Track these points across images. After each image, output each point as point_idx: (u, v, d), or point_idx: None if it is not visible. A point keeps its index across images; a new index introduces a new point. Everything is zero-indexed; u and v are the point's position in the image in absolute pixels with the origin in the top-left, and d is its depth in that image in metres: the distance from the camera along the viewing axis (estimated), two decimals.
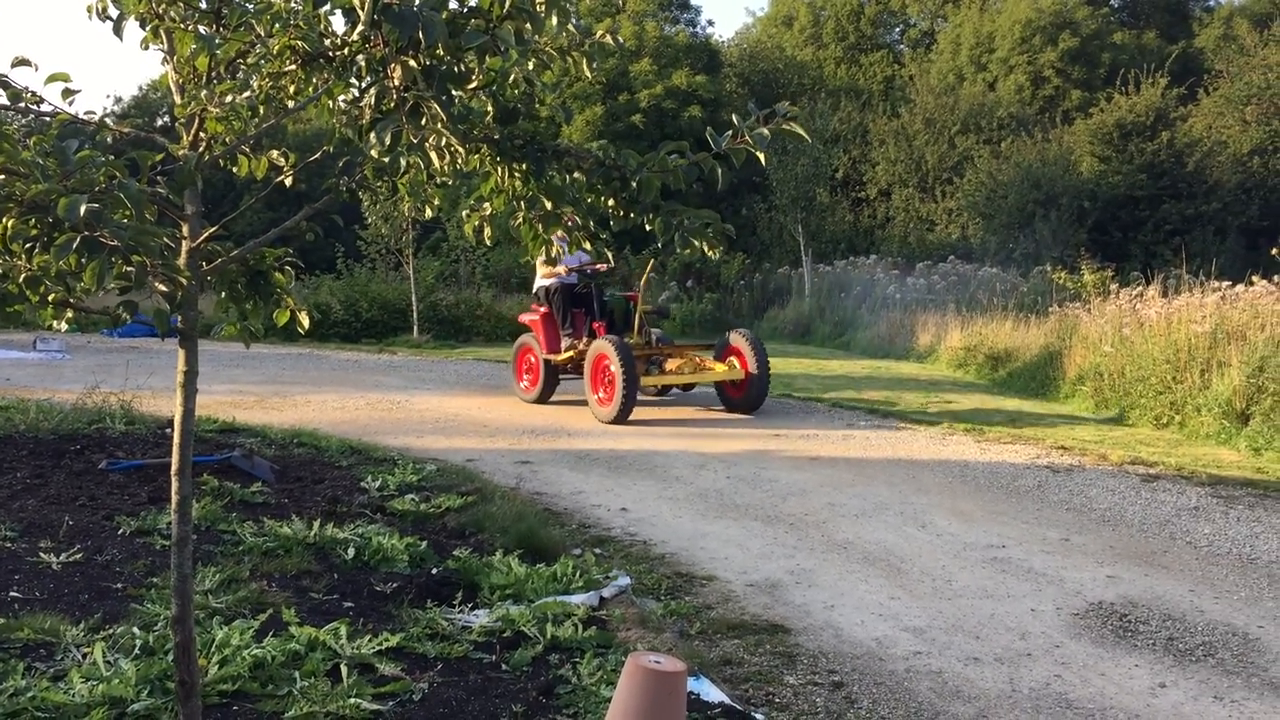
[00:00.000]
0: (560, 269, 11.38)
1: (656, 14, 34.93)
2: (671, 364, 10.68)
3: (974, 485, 7.74)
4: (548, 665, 4.05)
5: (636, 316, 11.08)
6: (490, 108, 2.72)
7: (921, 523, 6.64)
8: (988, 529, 6.50)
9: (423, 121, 2.16)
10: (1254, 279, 11.64)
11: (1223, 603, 5.16)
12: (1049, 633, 4.76)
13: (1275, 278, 11.70)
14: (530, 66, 2.69)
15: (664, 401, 12.04)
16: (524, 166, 2.89)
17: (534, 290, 11.80)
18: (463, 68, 2.15)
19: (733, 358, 10.76)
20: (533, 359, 11.67)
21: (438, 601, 4.68)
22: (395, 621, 4.41)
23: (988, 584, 5.45)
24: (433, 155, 2.37)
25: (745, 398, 10.71)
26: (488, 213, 3.24)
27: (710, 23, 78.30)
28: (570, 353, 10.99)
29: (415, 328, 19.11)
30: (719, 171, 2.98)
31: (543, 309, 11.47)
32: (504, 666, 4.02)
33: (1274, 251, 11.80)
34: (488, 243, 3.36)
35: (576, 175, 2.99)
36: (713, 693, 3.88)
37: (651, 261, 12.49)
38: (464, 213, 3.26)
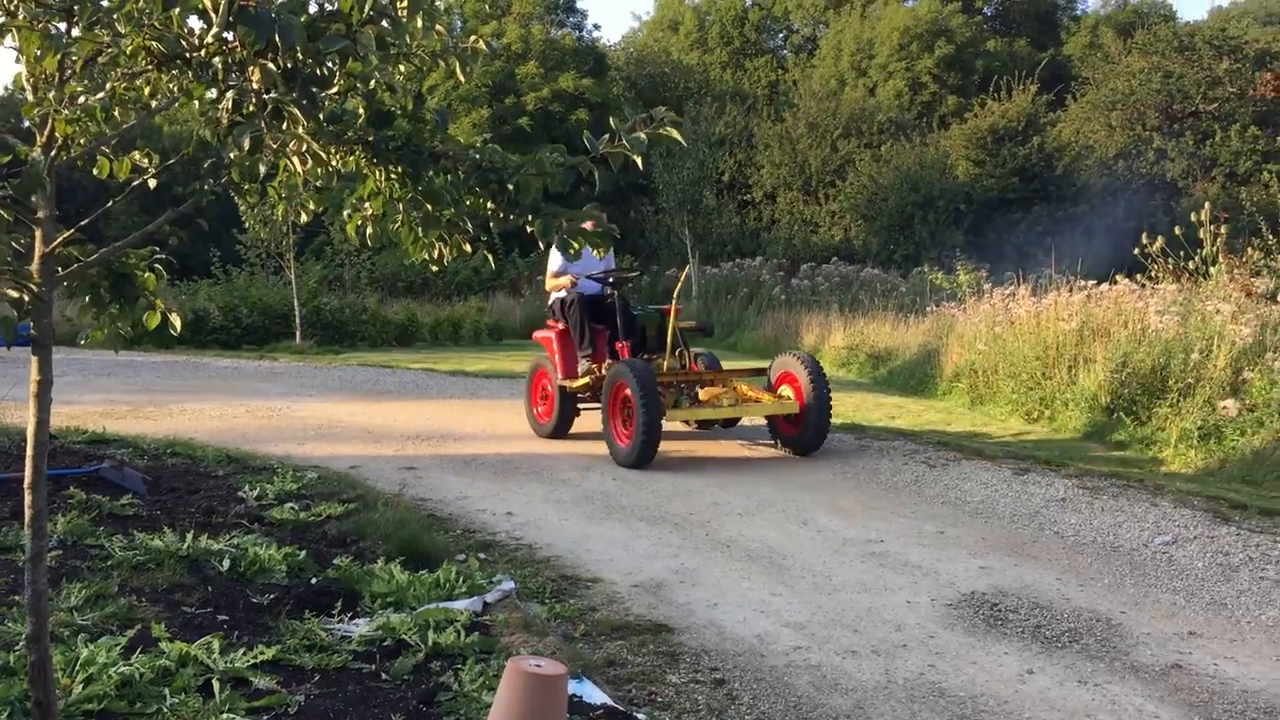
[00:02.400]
0: (565, 279, 9.50)
1: (543, 17, 34.87)
2: (707, 393, 8.70)
3: (854, 482, 7.91)
4: (429, 673, 4.01)
5: (670, 334, 9.08)
6: (363, 110, 2.69)
7: (804, 520, 6.75)
8: (867, 524, 6.64)
9: (284, 126, 2.12)
10: (1118, 278, 12.12)
11: (1087, 590, 5.37)
12: (924, 624, 4.89)
13: (1138, 276, 12.21)
14: (402, 70, 2.66)
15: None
16: (400, 169, 2.87)
17: (549, 303, 9.87)
18: (325, 71, 2.12)
19: (785, 386, 8.77)
20: (548, 385, 9.72)
21: (316, 612, 4.59)
22: (272, 634, 4.32)
23: (866, 578, 5.57)
24: (295, 160, 2.33)
25: (801, 435, 8.64)
26: (369, 214, 3.21)
27: (596, 26, 78.46)
28: (587, 378, 9.04)
29: (298, 333, 18.72)
30: (597, 174, 3.00)
31: (559, 325, 9.54)
32: (384, 676, 3.97)
33: (1136, 251, 12.30)
34: (370, 244, 3.31)
35: (453, 177, 2.98)
36: (595, 694, 3.89)
37: (687, 268, 10.73)
38: (346, 213, 3.21)
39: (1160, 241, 11.93)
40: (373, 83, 2.40)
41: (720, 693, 4.12)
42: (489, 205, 3.00)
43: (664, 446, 9.36)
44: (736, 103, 32.71)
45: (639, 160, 2.73)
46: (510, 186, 2.88)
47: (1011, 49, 35.46)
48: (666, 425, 8.45)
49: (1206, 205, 12.09)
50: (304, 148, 2.27)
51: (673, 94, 34.76)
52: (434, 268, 2.87)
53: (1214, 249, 11.48)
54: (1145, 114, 26.03)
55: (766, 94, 36.79)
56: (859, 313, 17.49)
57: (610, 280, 9.17)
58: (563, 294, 9.49)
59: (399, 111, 2.39)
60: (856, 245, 25.84)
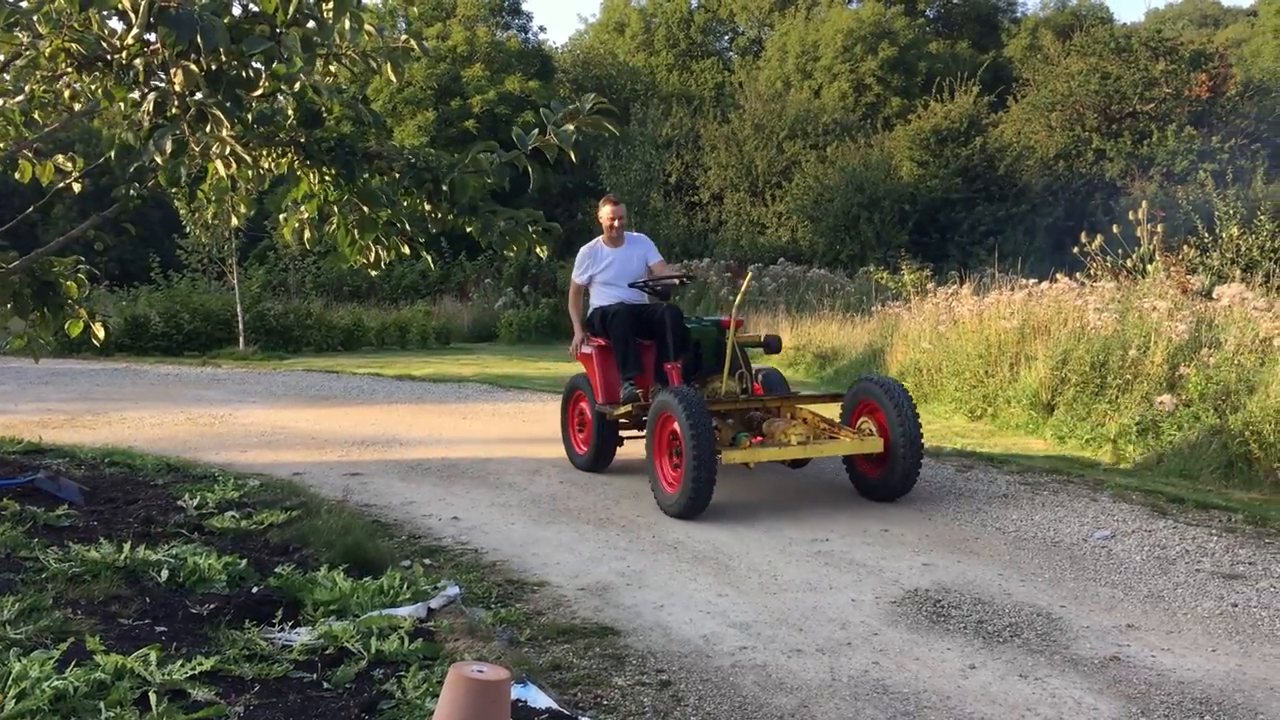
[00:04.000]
0: (579, 279, 8.29)
1: (488, 19, 34.75)
2: (774, 428, 7.13)
3: (800, 482, 7.94)
4: (372, 681, 3.97)
5: (728, 351, 7.55)
6: (292, 111, 2.66)
7: (750, 520, 6.77)
8: (812, 524, 6.67)
9: (208, 128, 2.09)
10: (1058, 276, 12.31)
11: (1028, 585, 5.43)
12: (868, 621, 4.92)
13: (1077, 275, 12.40)
14: (332, 71, 2.63)
15: (498, 406, 11.92)
16: (334, 171, 2.83)
17: (587, 315, 8.30)
18: (249, 73, 2.09)
19: (866, 419, 7.12)
20: (585, 409, 8.32)
21: (257, 621, 4.53)
22: (211, 644, 4.25)
23: (811, 577, 5.59)
24: (219, 164, 2.30)
25: (885, 479, 6.99)
26: (305, 216, 3.17)
27: (542, 29, 78.35)
28: (629, 406, 7.62)
29: (241, 339, 18.48)
30: (531, 170, 2.98)
31: (599, 340, 8.05)
32: (326, 685, 3.92)
33: (1075, 250, 12.49)
34: (309, 247, 3.28)
35: (389, 178, 2.95)
36: (540, 699, 3.87)
37: (750, 273, 8.90)
38: (281, 216, 3.17)
39: (1099, 240, 12.13)
40: (298, 85, 2.36)
41: (666, 694, 4.12)
42: (426, 206, 2.98)
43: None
44: (683, 104, 32.77)
45: (572, 154, 2.72)
46: (446, 186, 2.86)
47: (953, 51, 35.88)
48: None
49: (1143, 204, 12.33)
50: (227, 150, 2.23)
51: (619, 96, 34.77)
52: (372, 271, 2.83)
53: (1151, 247, 11.69)
54: (1084, 115, 26.44)
55: (713, 96, 36.92)
56: (806, 313, 17.60)
57: (656, 288, 7.82)
58: (605, 302, 8.01)
59: (327, 112, 2.36)
60: (803, 246, 25.99)
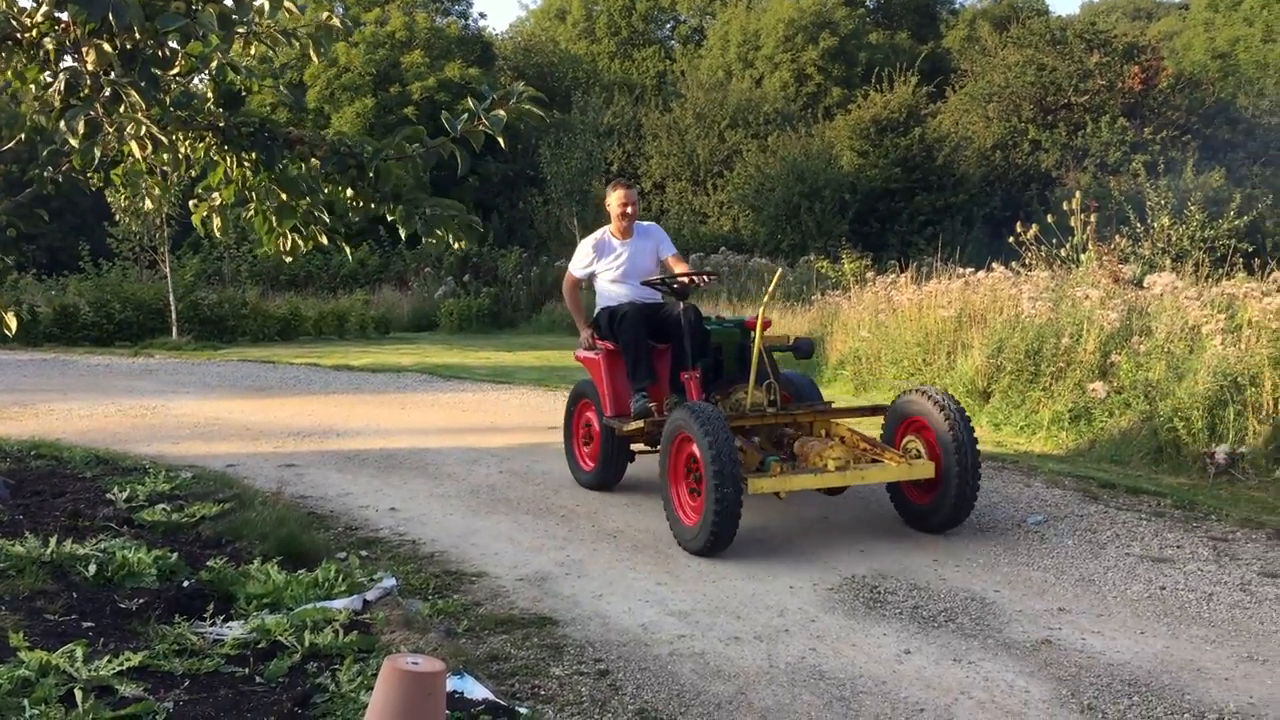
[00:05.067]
0: (577, 272, 7.38)
1: (427, 5, 34.41)
2: (808, 448, 6.07)
3: None
4: (305, 674, 3.91)
5: (754, 357, 6.46)
6: (211, 93, 2.59)
7: None
8: (752, 511, 6.68)
9: (121, 109, 2.02)
10: (994, 266, 12.46)
11: (963, 570, 5.49)
12: (805, 608, 4.94)
13: (1013, 264, 12.56)
14: (253, 51, 2.57)
15: (438, 396, 11.83)
16: (253, 156, 2.77)
17: (595, 314, 7.33)
18: (166, 52, 2.02)
19: (913, 437, 6.14)
20: (593, 420, 7.30)
21: (188, 616, 4.45)
22: (140, 639, 4.17)
23: (750, 565, 5.61)
24: (133, 146, 2.23)
25: (935, 508, 5.99)
26: (217, 203, 3.09)
27: (483, 15, 77.70)
28: (640, 423, 6.58)
29: (174, 329, 18.15)
30: (460, 156, 2.93)
31: (608, 343, 7.05)
32: (258, 679, 3.86)
33: (1011, 240, 12.65)
34: (218, 233, 3.20)
35: (309, 164, 2.89)
36: (477, 690, 3.84)
37: (780, 270, 7.83)
38: (192, 203, 3.09)
39: (1034, 230, 12.29)
40: (214, 63, 2.30)
41: (604, 683, 4.10)
42: (348, 193, 2.92)
43: (548, 439, 9.29)
44: (624, 93, 32.73)
45: (502, 140, 2.67)
46: (371, 173, 2.81)
47: (893, 41, 36.17)
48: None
49: (1077, 194, 12.50)
50: (142, 131, 2.16)
51: (561, 84, 34.63)
52: (287, 258, 2.77)
53: (1084, 237, 11.87)
54: (1021, 106, 26.79)
55: (654, 84, 36.90)
56: (747, 301, 17.65)
57: (674, 286, 6.80)
58: (613, 301, 7.10)
59: (247, 93, 2.30)
60: (744, 235, 26.08)
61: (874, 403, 7.30)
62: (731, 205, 27.23)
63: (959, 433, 5.80)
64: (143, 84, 1.91)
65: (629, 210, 7.11)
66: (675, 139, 29.47)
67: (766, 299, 6.81)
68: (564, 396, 11.64)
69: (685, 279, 6.80)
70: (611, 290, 7.18)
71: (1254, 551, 5.81)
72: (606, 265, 7.18)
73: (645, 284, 7.01)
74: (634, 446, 7.01)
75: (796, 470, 5.85)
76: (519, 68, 35.60)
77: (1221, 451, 7.25)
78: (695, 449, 5.60)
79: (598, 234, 7.28)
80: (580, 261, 7.31)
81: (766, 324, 6.54)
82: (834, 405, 6.83)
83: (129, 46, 1.89)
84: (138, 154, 2.24)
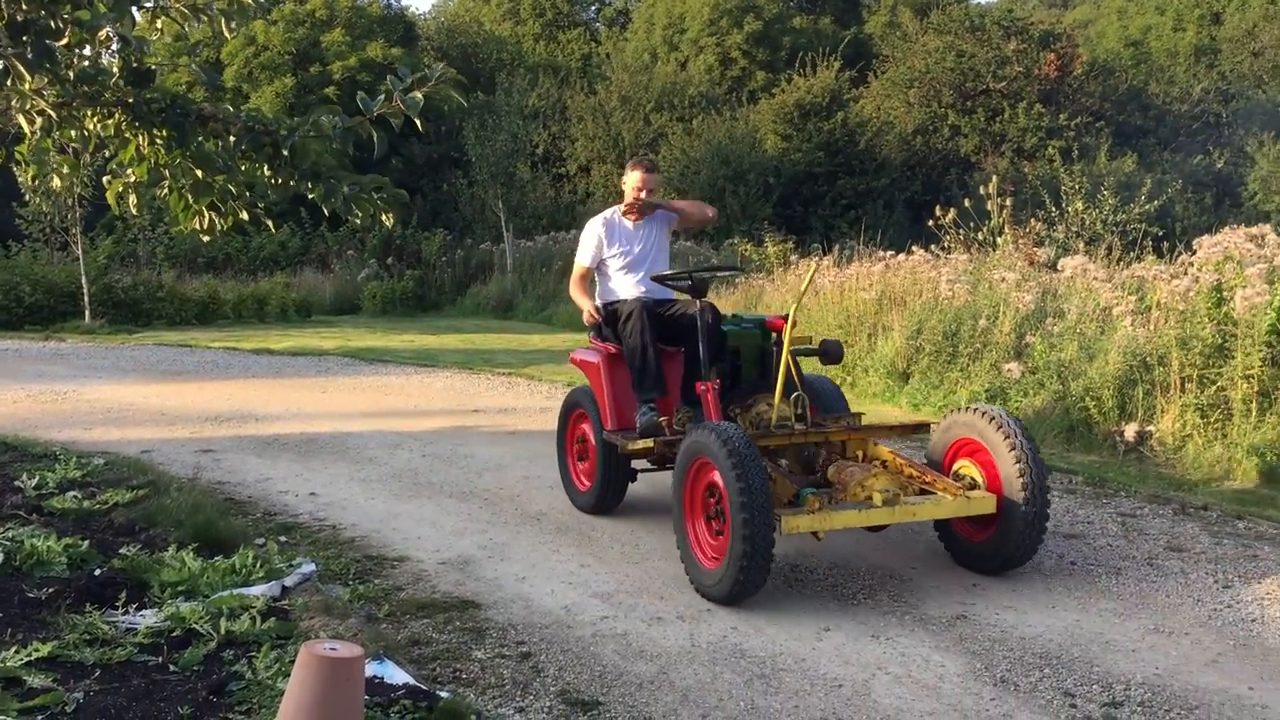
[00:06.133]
0: (589, 263, 6.31)
1: None
2: (846, 475, 5.11)
3: None
4: (221, 662, 3.86)
5: (781, 363, 5.43)
6: (118, 69, 2.52)
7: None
8: None
9: (9, 82, 1.95)
10: (914, 249, 12.64)
11: (881, 549, 5.58)
12: None
13: (933, 247, 12.76)
14: (160, 26, 2.50)
15: (360, 379, 11.69)
16: (165, 132, 2.70)
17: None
18: (58, 23, 1.96)
19: (967, 462, 5.21)
20: (589, 434, 6.28)
21: (100, 605, 4.35)
22: (49, 629, 4.07)
23: (673, 546, 5.59)
24: (21, 120, 2.16)
25: (996, 547, 5.02)
26: (132, 180, 3.01)
27: None
28: (648, 441, 5.54)
29: (87, 312, 17.68)
30: (377, 137, 2.89)
31: (609, 345, 6.12)
32: (172, 668, 3.79)
33: (930, 223, 12.84)
34: (134, 211, 3.12)
35: (225, 141, 2.83)
36: (397, 675, 3.81)
37: (815, 263, 6.58)
38: (106, 179, 3.01)
39: (952, 214, 12.49)
40: (103, 34, 2.23)
41: (526, 666, 4.11)
42: (266, 171, 2.86)
43: (471, 422, 9.25)
44: (550, 75, 32.53)
45: (419, 122, 2.64)
46: (286, 151, 2.76)
47: (816, 26, 36.41)
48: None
49: (994, 179, 12.73)
50: (28, 105, 2.09)
51: (485, 65, 34.31)
52: (205, 237, 2.72)
53: (1001, 221, 12.09)
54: (941, 91, 27.16)
55: (580, 67, 36.73)
56: None
57: (690, 281, 5.74)
58: (615, 298, 6.19)
59: (153, 68, 2.24)
60: None
61: (917, 419, 6.58)
62: (656, 188, 27.26)
63: (1025, 460, 4.86)
64: (29, 56, 1.84)
65: (645, 195, 6.20)
66: (600, 122, 29.36)
67: (802, 293, 5.83)
68: (489, 380, 11.61)
69: (706, 272, 5.87)
70: (617, 282, 6.19)
71: (1161, 527, 5.98)
72: (614, 252, 6.20)
73: (657, 279, 5.93)
74: (636, 464, 6.05)
75: (836, 504, 4.85)
76: (442, 48, 35.18)
77: (1131, 430, 7.45)
78: (718, 478, 4.68)
79: (606, 214, 6.32)
80: (589, 249, 6.25)
81: (794, 324, 5.58)
82: (866, 420, 5.90)
83: (18, 18, 1.82)
84: (25, 128, 2.17)
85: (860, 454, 5.47)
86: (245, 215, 3.08)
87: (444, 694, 3.70)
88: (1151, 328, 8.08)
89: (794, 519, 4.65)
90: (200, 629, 4.09)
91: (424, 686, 3.74)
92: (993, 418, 5.03)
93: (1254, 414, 7.03)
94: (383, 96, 2.79)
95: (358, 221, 2.99)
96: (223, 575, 4.70)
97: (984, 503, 4.93)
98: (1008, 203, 12.15)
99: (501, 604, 4.79)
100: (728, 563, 4.59)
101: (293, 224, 24.98)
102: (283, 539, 5.62)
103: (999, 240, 11.83)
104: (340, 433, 8.64)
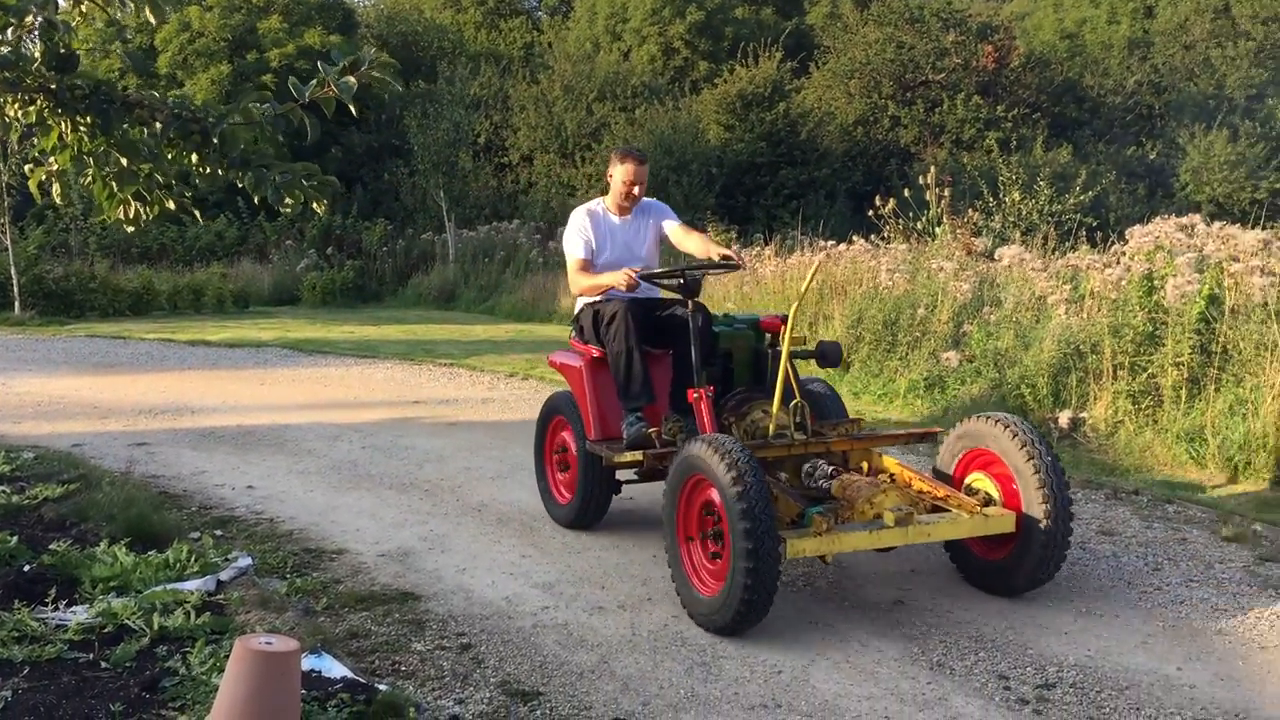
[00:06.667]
0: (600, 280, 5.57)
1: None
2: (853, 491, 4.62)
3: None
4: (154, 658, 3.80)
5: (781, 368, 4.93)
6: (39, 54, 2.46)
7: None
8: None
9: None
10: (855, 238, 12.74)
11: None
12: (668, 577, 4.96)
13: (873, 237, 12.87)
14: (83, 10, 2.44)
15: (299, 371, 11.55)
16: (89, 119, 2.64)
17: (575, 312, 5.98)
18: None
19: (979, 476, 4.85)
20: (570, 443, 5.84)
21: (29, 601, 4.26)
22: None
23: (615, 536, 5.64)
24: None
25: (1013, 567, 4.65)
26: (55, 168, 2.94)
27: None
28: (637, 454, 5.14)
29: (17, 304, 17.29)
30: (309, 123, 2.84)
31: (592, 348, 5.67)
32: (104, 664, 3.73)
33: (871, 213, 12.94)
34: (57, 200, 3.05)
35: (151, 128, 2.77)
36: (335, 668, 3.78)
37: (818, 261, 6.20)
38: (28, 168, 2.93)
39: (892, 204, 12.60)
40: (29, 18, 2.18)
41: (466, 657, 4.09)
42: (193, 159, 2.81)
43: (411, 413, 9.18)
44: (491, 64, 32.26)
45: (353, 108, 2.60)
46: (215, 138, 2.71)
47: (758, 17, 36.48)
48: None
49: (932, 169, 12.85)
50: None
51: (426, 54, 33.98)
52: (129, 228, 2.66)
53: (939, 211, 12.21)
54: (881, 83, 27.34)
55: (522, 56, 36.49)
56: None
57: (682, 280, 5.29)
58: (595, 298, 5.67)
59: (66, 49, 2.18)
60: None
61: (924, 426, 6.01)
62: (600, 178, 27.19)
63: (1046, 475, 4.49)
64: None
65: (636, 192, 5.68)
66: (543, 111, 29.19)
67: (804, 292, 5.25)
68: (430, 371, 11.53)
69: (699, 270, 5.33)
70: (597, 286, 5.64)
71: (1093, 511, 6.09)
72: (598, 248, 5.72)
73: (645, 278, 5.41)
74: (621, 475, 5.64)
75: (843, 523, 4.43)
76: (382, 36, 34.76)
77: (1065, 417, 7.58)
78: (715, 496, 4.30)
79: (591, 206, 5.83)
80: (579, 240, 5.70)
81: (784, 323, 5.16)
82: (866, 425, 5.55)
83: None
84: None
85: (865, 465, 5.04)
86: (172, 205, 3.01)
87: (383, 686, 3.67)
88: (1085, 316, 8.22)
89: (799, 542, 4.22)
90: (133, 625, 4.02)
91: (362, 679, 3.72)
92: (1009, 427, 4.65)
93: (1183, 400, 7.18)
94: (315, 82, 2.74)
95: (288, 210, 2.93)
96: (156, 570, 4.63)
97: (1002, 521, 4.54)
98: (946, 193, 12.28)
99: (442, 595, 4.76)
100: (728, 590, 4.17)
101: (229, 214, 24.59)
102: (218, 533, 5.54)
103: (938, 230, 11.95)
104: (278, 425, 8.53)
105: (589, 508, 5.69)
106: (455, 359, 12.49)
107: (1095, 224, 13.64)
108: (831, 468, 4.86)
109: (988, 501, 4.67)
